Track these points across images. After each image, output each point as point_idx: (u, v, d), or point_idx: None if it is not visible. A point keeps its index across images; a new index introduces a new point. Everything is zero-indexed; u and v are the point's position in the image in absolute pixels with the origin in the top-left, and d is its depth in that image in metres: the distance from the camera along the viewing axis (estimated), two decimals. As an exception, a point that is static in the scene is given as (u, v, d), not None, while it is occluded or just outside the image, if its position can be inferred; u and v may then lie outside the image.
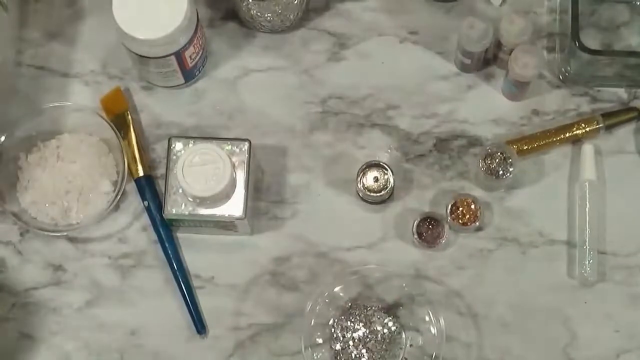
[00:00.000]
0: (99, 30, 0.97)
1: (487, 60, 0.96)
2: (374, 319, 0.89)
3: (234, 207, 0.87)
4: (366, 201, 0.93)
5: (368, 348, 0.89)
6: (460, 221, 0.91)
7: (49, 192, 0.92)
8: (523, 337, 0.91)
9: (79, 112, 0.94)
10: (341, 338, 0.89)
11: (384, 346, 0.89)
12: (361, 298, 0.90)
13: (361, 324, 0.89)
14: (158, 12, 0.86)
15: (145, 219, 0.93)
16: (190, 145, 0.88)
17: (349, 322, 0.89)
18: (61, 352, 0.91)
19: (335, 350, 0.89)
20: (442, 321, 0.87)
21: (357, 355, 0.88)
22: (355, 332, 0.89)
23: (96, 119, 0.92)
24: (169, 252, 0.92)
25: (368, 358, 0.88)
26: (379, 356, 0.88)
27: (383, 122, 0.96)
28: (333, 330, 0.89)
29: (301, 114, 0.96)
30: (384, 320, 0.89)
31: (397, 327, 0.89)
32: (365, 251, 0.92)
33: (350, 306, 0.90)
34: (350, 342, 0.89)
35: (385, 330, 0.89)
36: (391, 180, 0.91)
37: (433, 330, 0.87)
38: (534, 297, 0.91)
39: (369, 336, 0.89)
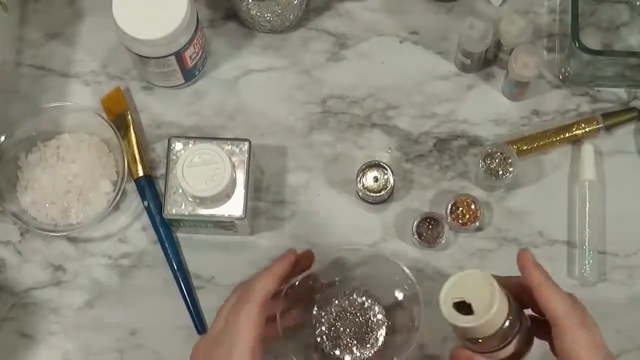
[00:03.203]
0: (99, 30, 0.97)
1: (487, 60, 0.96)
2: (352, 298, 0.88)
3: (234, 207, 0.87)
4: (366, 201, 0.93)
5: (347, 329, 0.88)
6: (460, 221, 0.91)
7: (49, 192, 0.92)
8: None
9: (79, 112, 0.94)
10: (321, 321, 0.88)
11: (364, 327, 0.88)
12: (340, 280, 0.89)
13: (340, 307, 0.88)
14: (158, 12, 0.86)
15: (145, 219, 0.93)
16: (190, 145, 0.88)
17: (328, 305, 0.88)
18: (61, 352, 0.91)
19: (317, 333, 0.88)
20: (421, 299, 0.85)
21: (339, 338, 0.88)
22: (335, 314, 0.88)
23: (96, 119, 0.92)
24: (169, 252, 0.92)
25: (349, 339, 0.88)
26: (360, 337, 0.88)
27: (383, 122, 0.96)
28: (314, 313, 0.88)
29: (301, 114, 0.96)
30: (363, 300, 0.89)
31: (378, 308, 0.89)
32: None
33: (329, 288, 0.89)
34: (331, 325, 0.88)
35: (366, 313, 0.88)
36: (391, 180, 0.91)
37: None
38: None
39: (349, 317, 0.88)
